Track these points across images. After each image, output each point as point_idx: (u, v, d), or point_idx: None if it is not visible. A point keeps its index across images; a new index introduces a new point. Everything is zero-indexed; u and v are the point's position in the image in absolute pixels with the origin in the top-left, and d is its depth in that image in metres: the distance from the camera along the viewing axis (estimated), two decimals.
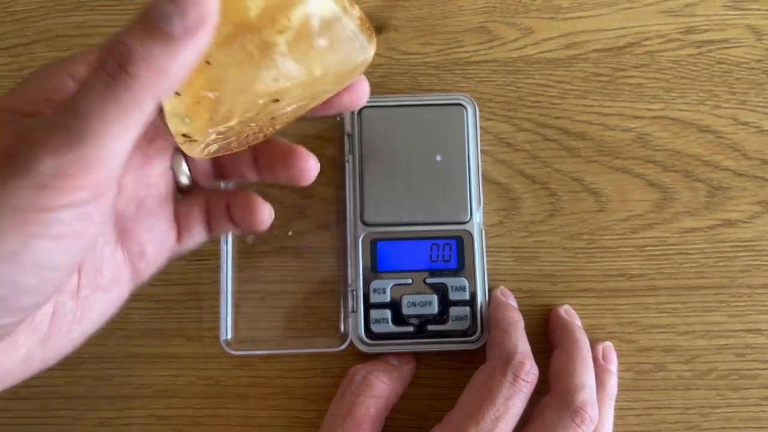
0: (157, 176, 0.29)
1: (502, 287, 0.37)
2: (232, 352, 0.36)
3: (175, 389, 0.37)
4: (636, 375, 0.36)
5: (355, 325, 0.36)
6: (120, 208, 0.28)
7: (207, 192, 0.31)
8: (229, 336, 0.37)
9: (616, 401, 0.35)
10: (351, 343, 0.36)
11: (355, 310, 0.36)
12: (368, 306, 0.36)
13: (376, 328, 0.35)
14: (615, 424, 0.35)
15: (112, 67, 0.21)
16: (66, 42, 0.40)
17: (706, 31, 0.39)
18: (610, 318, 0.37)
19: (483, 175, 0.38)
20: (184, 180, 0.30)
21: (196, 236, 0.31)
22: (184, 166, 0.30)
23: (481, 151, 0.38)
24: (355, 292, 0.36)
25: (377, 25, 0.40)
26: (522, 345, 0.33)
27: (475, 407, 0.31)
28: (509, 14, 0.40)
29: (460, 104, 0.37)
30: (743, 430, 0.36)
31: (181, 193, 0.31)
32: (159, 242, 0.29)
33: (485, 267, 0.36)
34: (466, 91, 0.39)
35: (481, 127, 0.38)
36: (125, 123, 0.21)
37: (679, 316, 0.37)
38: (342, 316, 0.37)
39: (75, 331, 0.27)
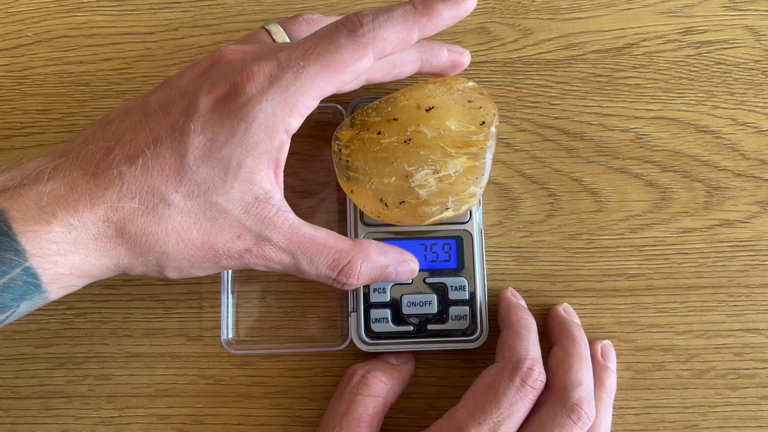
0: None
1: (511, 288, 0.37)
2: (233, 352, 0.36)
3: (176, 388, 0.37)
4: (634, 374, 0.37)
5: (355, 325, 0.36)
6: None
7: None
8: (230, 335, 0.37)
9: (615, 400, 0.35)
10: (351, 342, 0.36)
11: (355, 309, 0.36)
12: (368, 305, 0.36)
13: (376, 327, 0.36)
14: (614, 423, 0.36)
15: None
16: (67, 43, 0.40)
17: (705, 31, 0.39)
18: (609, 317, 0.37)
19: None
20: None
21: None
22: None
23: None
24: (355, 292, 0.36)
25: None
26: (533, 350, 0.33)
27: (479, 408, 0.31)
28: (508, 15, 0.40)
29: None
30: (742, 429, 0.36)
31: None
32: None
33: (485, 267, 0.37)
34: None
35: None
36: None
37: (678, 315, 0.37)
38: (342, 315, 0.37)
39: None
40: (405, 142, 0.33)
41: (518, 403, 0.31)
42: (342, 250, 0.30)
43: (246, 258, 0.29)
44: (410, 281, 0.36)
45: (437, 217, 0.34)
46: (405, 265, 0.33)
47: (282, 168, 0.30)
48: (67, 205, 0.27)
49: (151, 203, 0.27)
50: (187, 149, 0.27)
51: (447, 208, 0.33)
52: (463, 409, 0.31)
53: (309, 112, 0.29)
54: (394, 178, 0.33)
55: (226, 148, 0.27)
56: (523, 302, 0.36)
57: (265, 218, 0.29)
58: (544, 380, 0.32)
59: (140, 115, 0.28)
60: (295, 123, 0.28)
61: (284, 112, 0.28)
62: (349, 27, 0.29)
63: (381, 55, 0.29)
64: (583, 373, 0.32)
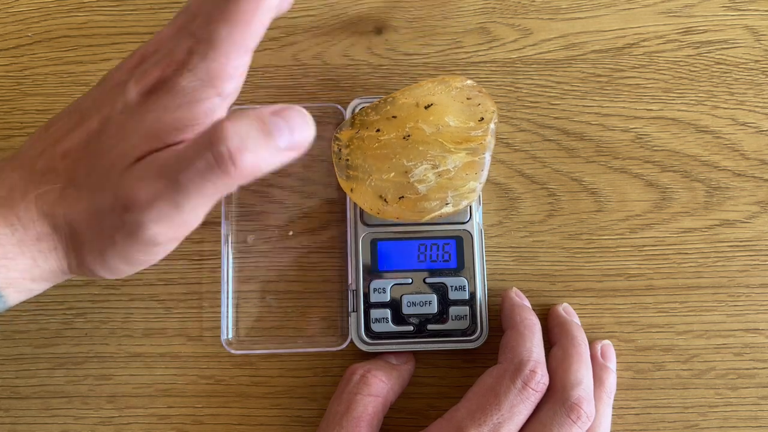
0: None
1: (515, 288, 0.37)
2: (233, 352, 0.36)
3: (176, 388, 0.37)
4: (634, 374, 0.37)
5: (355, 325, 0.36)
6: None
7: None
8: (230, 335, 0.37)
9: (615, 400, 0.35)
10: (351, 342, 0.36)
11: (355, 309, 0.36)
12: (368, 305, 0.36)
13: (376, 327, 0.36)
14: (614, 423, 0.36)
15: (219, 153, 0.24)
16: (67, 43, 0.40)
17: (705, 31, 0.39)
18: (609, 317, 0.37)
19: None
20: None
21: None
22: None
23: None
24: (355, 292, 0.36)
25: (377, 26, 0.40)
26: (536, 352, 0.32)
27: (479, 409, 0.31)
28: (508, 15, 0.40)
29: None
30: (741, 429, 0.36)
31: None
32: None
33: (485, 267, 0.37)
34: None
35: None
36: (214, 198, 0.26)
37: (678, 315, 0.37)
38: (342, 315, 0.37)
39: None
40: (404, 138, 0.33)
41: (519, 406, 0.31)
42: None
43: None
44: (410, 281, 0.36)
45: (437, 213, 0.34)
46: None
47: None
48: (6, 205, 0.27)
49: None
50: None
51: (447, 204, 0.33)
52: (463, 410, 0.31)
53: (241, 71, 0.27)
54: (393, 174, 0.33)
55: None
56: (527, 302, 0.36)
57: None
58: (547, 383, 0.32)
59: (78, 113, 0.29)
60: (228, 86, 0.27)
61: (209, 83, 0.27)
62: None
63: None
64: (583, 372, 0.32)
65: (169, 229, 0.26)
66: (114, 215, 0.26)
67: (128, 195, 0.26)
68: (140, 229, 0.26)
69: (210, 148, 0.24)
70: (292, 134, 0.25)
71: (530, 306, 0.36)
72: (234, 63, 0.27)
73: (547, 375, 0.32)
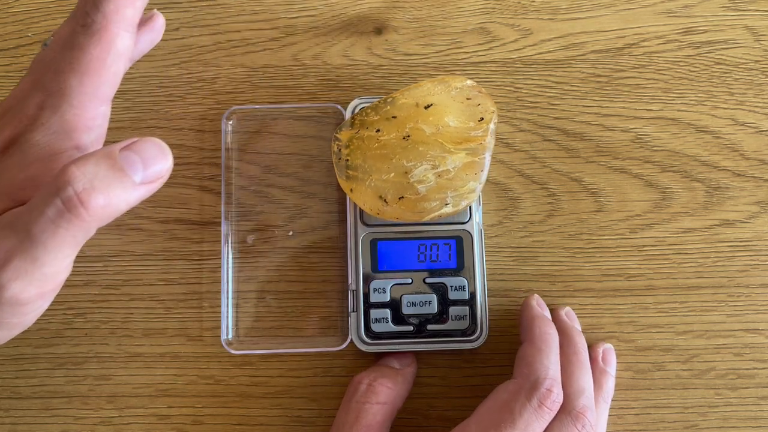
0: None
1: (536, 295, 0.36)
2: (233, 352, 0.36)
3: (176, 388, 0.37)
4: (634, 374, 0.37)
5: (355, 325, 0.36)
6: None
7: None
8: (230, 335, 0.37)
9: (615, 400, 0.35)
10: (351, 342, 0.36)
11: (355, 309, 0.36)
12: (368, 305, 0.36)
13: (376, 327, 0.36)
14: (614, 423, 0.36)
15: (67, 198, 0.22)
16: None
17: (705, 32, 0.39)
18: (609, 318, 0.37)
19: None
20: None
21: None
22: None
23: None
24: (355, 292, 0.36)
25: (377, 26, 0.40)
26: (553, 369, 0.32)
27: (493, 425, 0.30)
28: (508, 15, 0.40)
29: None
30: (741, 430, 0.36)
31: None
32: None
33: (484, 267, 0.37)
34: None
35: None
36: (72, 246, 0.24)
37: (678, 315, 0.37)
38: (342, 315, 0.37)
39: None
40: (404, 138, 0.33)
41: (534, 424, 0.30)
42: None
43: None
44: (410, 281, 0.36)
45: (437, 213, 0.34)
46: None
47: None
48: None
49: None
50: None
51: (446, 204, 0.33)
52: (475, 425, 0.31)
53: (98, 121, 0.26)
54: (393, 174, 0.33)
55: None
56: (547, 312, 0.35)
57: None
58: (561, 401, 0.31)
59: None
60: (85, 137, 0.26)
61: (64, 136, 0.26)
62: (81, 21, 0.26)
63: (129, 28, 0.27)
64: (585, 380, 0.32)
65: (31, 286, 0.24)
66: None
67: None
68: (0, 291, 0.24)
69: (58, 194, 0.22)
70: (147, 167, 0.23)
71: (550, 316, 0.35)
72: (89, 114, 0.26)
73: (562, 393, 0.31)
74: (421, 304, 0.36)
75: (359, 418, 0.32)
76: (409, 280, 0.36)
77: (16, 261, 0.23)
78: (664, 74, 0.39)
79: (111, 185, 0.23)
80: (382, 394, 0.33)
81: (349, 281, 0.36)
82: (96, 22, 0.26)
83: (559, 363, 0.33)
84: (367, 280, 0.36)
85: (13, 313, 0.25)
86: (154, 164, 0.24)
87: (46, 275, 0.24)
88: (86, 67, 0.26)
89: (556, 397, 0.31)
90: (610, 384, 0.35)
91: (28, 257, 0.23)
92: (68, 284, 0.37)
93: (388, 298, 0.36)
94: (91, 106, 0.26)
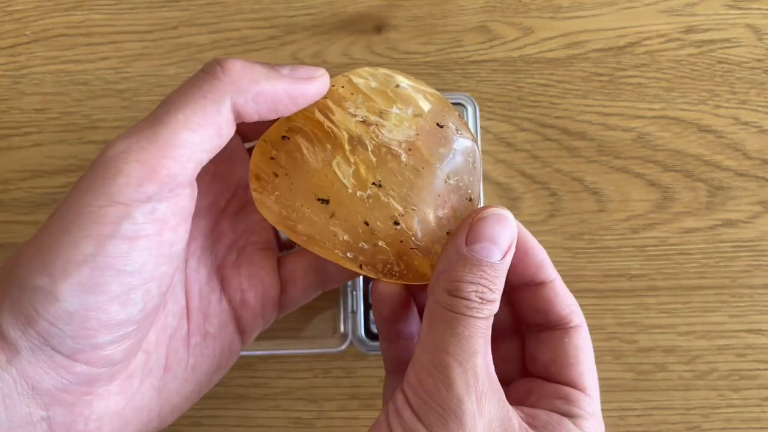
0: (258, 224, 0.29)
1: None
2: None
3: None
4: (637, 375, 0.36)
5: (354, 326, 0.35)
6: (221, 254, 0.28)
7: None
8: None
9: (617, 401, 0.35)
10: (351, 343, 0.36)
11: (355, 310, 0.36)
12: (368, 306, 0.35)
13: (376, 328, 0.35)
14: (616, 425, 0.35)
15: (209, 64, 0.23)
16: (65, 41, 0.39)
17: (707, 30, 0.39)
18: (611, 318, 0.37)
19: (483, 175, 0.38)
20: (284, 236, 0.30)
21: (304, 291, 0.29)
22: None
23: (481, 151, 0.38)
24: (355, 293, 0.36)
25: (377, 25, 0.40)
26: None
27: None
28: (509, 14, 0.40)
29: (460, 104, 0.37)
30: (744, 431, 0.36)
31: (281, 249, 0.30)
32: (261, 291, 0.28)
33: None
34: (466, 91, 0.39)
35: (481, 127, 0.38)
36: (201, 113, 0.22)
37: (680, 316, 0.37)
38: (342, 316, 0.37)
39: (189, 383, 0.26)
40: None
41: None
42: None
43: None
44: None
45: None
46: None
47: None
48: None
49: None
50: None
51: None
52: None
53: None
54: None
55: None
56: None
57: None
58: None
59: None
60: None
61: None
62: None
63: None
64: None
65: (139, 153, 0.22)
66: None
67: None
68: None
69: (202, 68, 0.23)
70: (295, 70, 0.24)
71: None
72: None
73: None
74: None
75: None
76: None
77: (135, 127, 0.22)
78: (666, 73, 0.39)
79: (254, 64, 0.23)
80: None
81: (349, 282, 0.36)
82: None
83: None
84: (367, 280, 0.36)
85: (122, 190, 0.21)
86: (302, 70, 0.24)
87: (160, 142, 0.22)
88: None
89: None
90: None
91: (147, 120, 0.22)
92: None
93: None
94: None
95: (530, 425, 0.23)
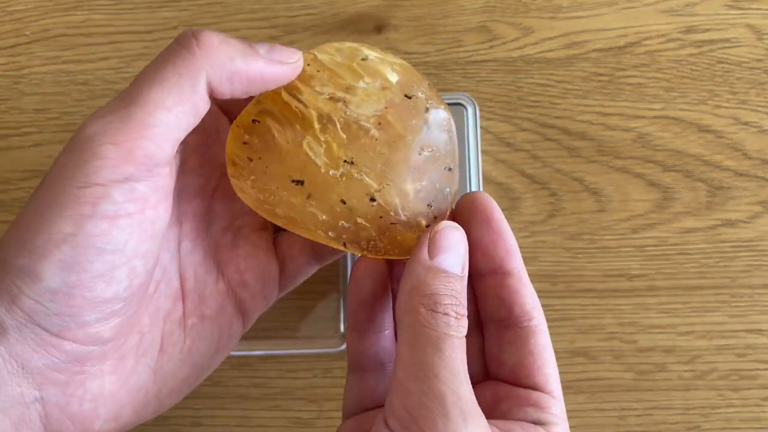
0: None
1: None
2: (231, 353, 0.36)
3: None
4: (636, 375, 0.36)
5: None
6: (217, 236, 0.28)
7: None
8: None
9: (617, 401, 0.35)
10: None
11: None
12: None
13: (346, 318, 0.35)
14: (616, 425, 0.35)
15: (183, 36, 0.22)
16: (65, 41, 0.39)
17: (707, 30, 0.39)
18: (611, 318, 0.37)
19: (483, 175, 0.38)
20: None
21: (302, 267, 0.29)
22: None
23: (481, 151, 0.38)
24: None
25: (377, 25, 0.40)
26: None
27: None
28: (509, 14, 0.40)
29: (460, 104, 0.37)
30: (744, 431, 0.36)
31: (276, 229, 0.30)
32: (259, 271, 0.28)
33: None
34: (466, 91, 0.39)
35: (481, 127, 0.38)
36: (177, 92, 0.22)
37: (680, 316, 0.37)
38: (342, 316, 0.37)
39: (186, 365, 0.26)
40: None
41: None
42: None
43: None
44: None
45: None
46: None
47: None
48: None
49: None
50: None
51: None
52: None
53: None
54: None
55: None
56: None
57: None
58: None
59: None
60: None
61: None
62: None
63: None
64: None
65: (117, 129, 0.21)
66: None
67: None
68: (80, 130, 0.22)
69: (176, 39, 0.22)
70: (273, 49, 0.23)
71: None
72: None
73: None
74: None
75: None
76: None
77: (109, 105, 0.22)
78: (666, 73, 0.39)
79: (231, 40, 0.23)
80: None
81: (349, 282, 0.36)
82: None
83: None
84: None
85: (99, 172, 0.21)
86: (280, 51, 0.24)
87: (136, 121, 0.21)
88: None
89: None
90: None
91: (121, 99, 0.22)
92: None
93: None
94: None
95: None
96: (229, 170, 0.26)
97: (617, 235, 0.38)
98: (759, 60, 0.39)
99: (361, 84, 0.25)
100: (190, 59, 0.22)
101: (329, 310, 0.37)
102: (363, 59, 0.25)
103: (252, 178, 0.25)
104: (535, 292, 0.26)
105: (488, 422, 0.22)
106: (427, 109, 0.25)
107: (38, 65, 0.39)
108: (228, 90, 0.23)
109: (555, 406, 0.24)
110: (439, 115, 0.26)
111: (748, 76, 0.39)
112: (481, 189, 0.37)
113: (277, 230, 0.30)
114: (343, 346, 0.36)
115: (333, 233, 0.25)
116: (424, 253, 0.23)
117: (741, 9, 0.39)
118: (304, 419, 0.36)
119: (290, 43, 0.39)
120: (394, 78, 0.25)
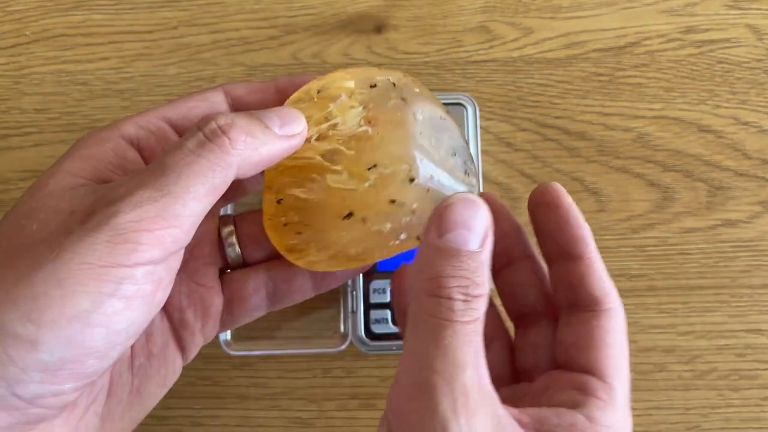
0: (199, 236, 0.27)
1: None
2: (232, 353, 0.36)
3: (174, 389, 0.36)
4: (636, 375, 0.36)
5: (354, 326, 0.35)
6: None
7: (267, 264, 0.29)
8: (229, 336, 0.37)
9: None
10: (351, 343, 0.36)
11: (354, 310, 0.36)
12: (368, 306, 0.35)
13: (376, 328, 0.35)
14: None
15: (210, 129, 0.22)
16: (65, 42, 0.39)
17: (707, 30, 0.39)
18: None
19: (483, 175, 0.38)
20: (232, 254, 0.29)
21: (253, 309, 0.29)
22: (234, 239, 0.29)
23: (481, 151, 0.38)
24: (354, 293, 0.36)
25: (377, 25, 0.40)
26: None
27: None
28: (509, 14, 0.40)
29: (460, 104, 0.37)
30: (744, 431, 0.36)
31: (228, 267, 0.29)
32: (200, 309, 0.27)
33: None
34: (466, 91, 0.39)
35: (481, 127, 0.38)
36: (210, 185, 0.22)
37: (680, 316, 0.37)
38: (342, 316, 0.37)
39: (135, 405, 0.26)
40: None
41: None
42: None
43: None
44: None
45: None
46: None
47: None
48: None
49: None
50: None
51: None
52: None
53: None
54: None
55: None
56: None
57: None
58: None
59: None
60: None
61: None
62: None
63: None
64: None
65: (154, 217, 0.21)
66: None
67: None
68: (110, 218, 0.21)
69: (200, 129, 0.22)
70: (283, 124, 0.24)
71: None
72: None
73: None
74: None
75: None
76: None
77: (143, 189, 0.21)
78: (666, 73, 0.39)
79: (252, 127, 0.23)
80: None
81: (349, 282, 0.36)
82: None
83: None
84: (367, 280, 0.36)
85: (129, 255, 0.21)
86: (290, 122, 0.24)
87: (170, 213, 0.21)
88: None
89: None
90: None
91: (158, 188, 0.21)
92: None
93: (388, 299, 0.35)
94: None
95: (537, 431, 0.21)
96: (292, 259, 0.26)
97: (617, 235, 0.38)
98: (759, 60, 0.39)
99: (332, 107, 0.25)
100: (224, 157, 0.22)
101: (329, 311, 0.37)
102: (318, 92, 0.26)
103: (312, 246, 0.26)
104: (608, 278, 0.25)
105: (519, 411, 0.21)
106: (394, 85, 0.26)
107: (38, 65, 0.39)
108: (249, 173, 0.23)
109: (602, 389, 0.23)
110: (407, 83, 0.26)
111: (748, 76, 0.39)
112: (482, 189, 0.37)
113: (227, 266, 0.29)
114: (343, 347, 0.36)
115: (404, 235, 0.25)
116: (431, 231, 0.22)
117: (741, 9, 0.39)
118: (304, 419, 0.36)
119: (290, 43, 0.39)
120: (351, 84, 0.26)
